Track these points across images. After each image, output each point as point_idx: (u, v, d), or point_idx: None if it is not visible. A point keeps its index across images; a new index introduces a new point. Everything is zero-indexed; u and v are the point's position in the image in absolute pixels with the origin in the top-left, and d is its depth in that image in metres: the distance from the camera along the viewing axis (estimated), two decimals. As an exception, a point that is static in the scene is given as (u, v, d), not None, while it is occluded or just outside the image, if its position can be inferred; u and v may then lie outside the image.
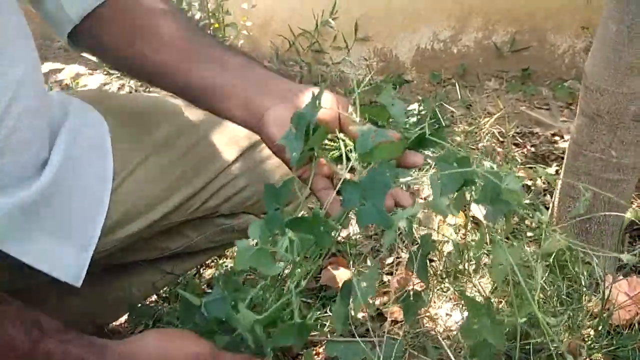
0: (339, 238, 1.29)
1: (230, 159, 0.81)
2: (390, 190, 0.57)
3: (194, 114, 0.82)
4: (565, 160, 1.11)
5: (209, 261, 1.20)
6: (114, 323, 0.99)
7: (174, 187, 0.77)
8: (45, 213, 0.65)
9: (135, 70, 0.74)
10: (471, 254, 1.03)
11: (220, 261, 1.17)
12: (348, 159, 0.61)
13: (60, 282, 0.68)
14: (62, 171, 0.66)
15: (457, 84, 1.89)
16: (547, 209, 1.24)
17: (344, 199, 0.57)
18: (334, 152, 0.63)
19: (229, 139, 0.83)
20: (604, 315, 0.83)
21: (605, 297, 0.86)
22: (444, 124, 1.59)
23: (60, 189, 0.66)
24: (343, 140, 0.62)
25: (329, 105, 0.59)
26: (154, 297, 1.02)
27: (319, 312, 0.98)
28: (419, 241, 0.79)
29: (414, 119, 1.80)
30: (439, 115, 1.54)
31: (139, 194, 0.74)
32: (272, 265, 0.56)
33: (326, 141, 0.64)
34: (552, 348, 0.82)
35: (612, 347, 0.83)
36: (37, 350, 0.55)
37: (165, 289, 1.01)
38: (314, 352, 0.91)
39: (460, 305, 1.04)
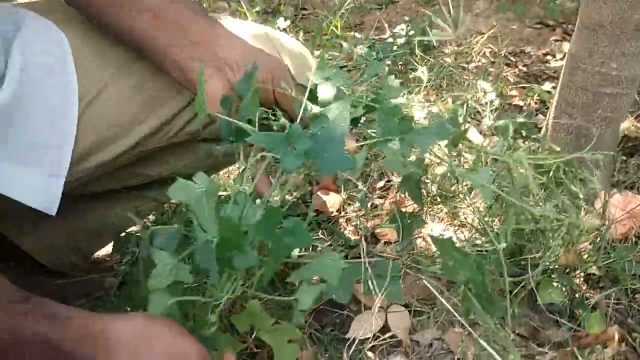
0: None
1: None
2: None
3: None
4: (561, 76, 1.07)
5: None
6: (99, 253, 0.96)
7: (148, 109, 0.71)
8: (8, 135, 0.59)
9: (79, 9, 0.68)
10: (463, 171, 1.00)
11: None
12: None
13: (36, 212, 0.63)
14: (21, 88, 0.60)
15: (449, 2, 1.80)
16: (540, 129, 1.21)
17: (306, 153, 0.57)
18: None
19: None
20: (602, 228, 0.82)
21: (602, 211, 0.85)
22: (434, 44, 1.52)
23: (22, 108, 0.60)
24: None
25: (263, 77, 0.61)
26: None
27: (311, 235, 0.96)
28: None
29: (402, 40, 1.72)
30: (429, 33, 1.47)
31: (110, 117, 0.68)
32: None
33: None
34: (548, 262, 0.82)
35: (608, 261, 0.83)
36: None
37: (150, 217, 0.97)
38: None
39: (454, 226, 1.03)
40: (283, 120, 0.62)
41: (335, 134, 0.57)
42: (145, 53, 0.65)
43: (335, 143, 0.56)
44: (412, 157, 0.98)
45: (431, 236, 0.60)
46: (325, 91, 0.63)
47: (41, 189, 0.63)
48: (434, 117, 0.58)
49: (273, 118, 0.63)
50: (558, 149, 0.74)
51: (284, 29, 1.80)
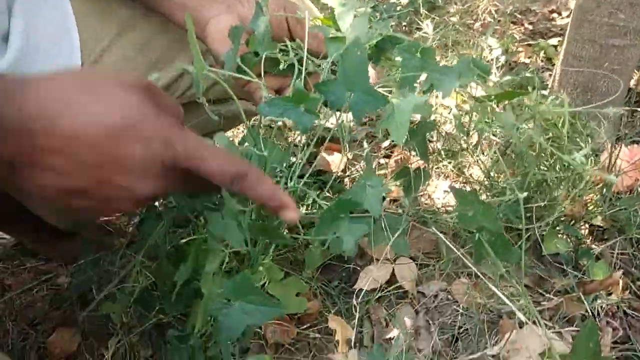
0: (331, 125, 1.25)
1: None
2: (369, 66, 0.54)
3: None
4: (568, 30, 1.05)
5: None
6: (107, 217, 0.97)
7: (152, 70, 0.70)
8: None
9: None
10: (472, 127, 1.00)
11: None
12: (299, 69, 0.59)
13: None
14: (24, 52, 0.59)
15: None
16: (546, 87, 1.20)
17: (330, 102, 0.54)
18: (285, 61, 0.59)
19: None
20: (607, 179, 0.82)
21: (608, 163, 0.85)
22: (439, 3, 1.49)
23: (27, 68, 0.59)
24: (294, 49, 0.59)
25: (274, 10, 0.57)
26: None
27: (317, 193, 0.96)
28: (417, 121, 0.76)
29: (406, 1, 1.68)
30: (434, -9, 1.43)
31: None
32: None
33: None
34: (556, 213, 0.82)
35: (613, 210, 0.83)
36: None
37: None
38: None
39: (458, 183, 1.03)
40: (292, 56, 0.58)
41: (358, 64, 0.52)
42: (155, 2, 0.63)
43: (360, 76, 0.52)
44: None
45: (451, 187, 0.60)
46: (344, 14, 0.59)
47: None
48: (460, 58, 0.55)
49: (283, 53, 0.59)
50: (567, 99, 0.73)
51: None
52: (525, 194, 0.52)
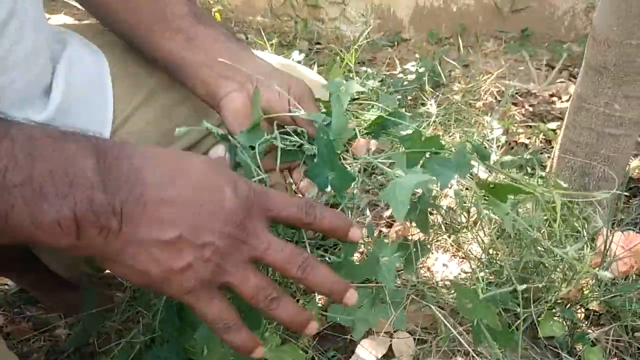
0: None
1: None
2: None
3: None
4: (567, 116, 1.10)
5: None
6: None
7: (173, 136, 0.74)
8: None
9: (112, 28, 0.71)
10: (471, 204, 1.03)
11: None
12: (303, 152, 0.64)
13: None
14: (64, 101, 0.63)
15: (460, 39, 1.86)
16: (544, 168, 1.24)
17: (318, 184, 0.59)
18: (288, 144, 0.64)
19: None
20: (603, 265, 0.84)
21: (604, 249, 0.87)
22: (444, 81, 1.57)
23: (62, 121, 0.63)
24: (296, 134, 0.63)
25: (277, 96, 0.62)
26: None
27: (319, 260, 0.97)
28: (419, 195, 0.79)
29: (412, 77, 1.77)
30: (440, 71, 1.52)
31: (142, 136, 0.71)
32: None
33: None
34: (551, 297, 0.83)
35: (608, 296, 0.84)
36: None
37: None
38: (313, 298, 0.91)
39: (457, 257, 1.04)
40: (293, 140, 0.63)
41: (326, 146, 0.56)
42: (176, 73, 0.67)
43: (330, 157, 0.56)
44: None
45: (451, 281, 0.61)
46: (338, 102, 0.62)
47: None
48: (458, 146, 0.57)
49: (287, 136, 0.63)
50: (565, 184, 0.76)
51: (299, 62, 1.86)
52: (524, 286, 0.54)
